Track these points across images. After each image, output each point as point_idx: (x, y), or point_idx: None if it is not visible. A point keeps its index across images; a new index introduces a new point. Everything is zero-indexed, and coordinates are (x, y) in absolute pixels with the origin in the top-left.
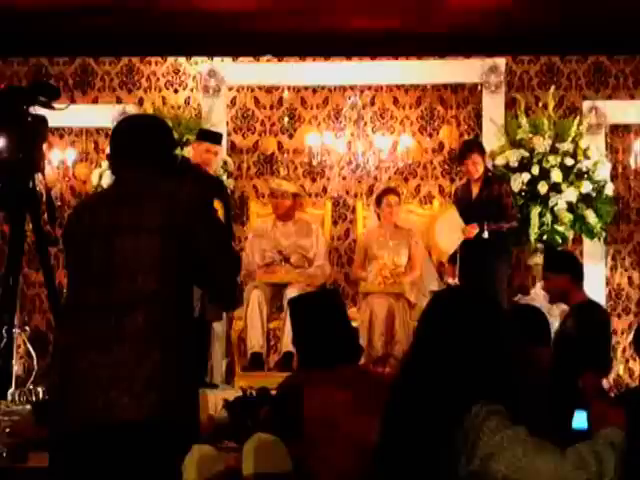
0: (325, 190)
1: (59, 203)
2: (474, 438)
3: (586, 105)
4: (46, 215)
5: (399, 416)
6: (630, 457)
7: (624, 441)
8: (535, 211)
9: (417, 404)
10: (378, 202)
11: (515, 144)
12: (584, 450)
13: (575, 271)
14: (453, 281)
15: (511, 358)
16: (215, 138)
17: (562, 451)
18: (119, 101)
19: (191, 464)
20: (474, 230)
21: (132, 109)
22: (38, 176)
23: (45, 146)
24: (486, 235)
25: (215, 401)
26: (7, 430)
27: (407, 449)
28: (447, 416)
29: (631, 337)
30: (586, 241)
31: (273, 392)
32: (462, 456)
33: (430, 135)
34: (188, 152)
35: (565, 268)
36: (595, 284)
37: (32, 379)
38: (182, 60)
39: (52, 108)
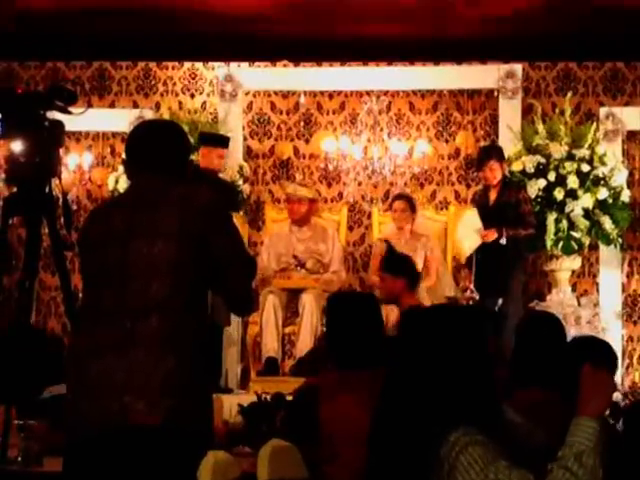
0: (341, 195)
1: (75, 207)
2: (450, 470)
3: (603, 111)
4: (62, 219)
5: (380, 439)
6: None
7: (595, 434)
8: (551, 217)
9: (394, 428)
10: (390, 208)
11: (531, 150)
12: (559, 476)
13: (411, 277)
14: (469, 287)
15: (491, 379)
16: (221, 142)
17: None
18: (136, 105)
19: (206, 470)
20: (493, 235)
21: (149, 113)
22: (54, 180)
23: (62, 150)
24: (504, 241)
25: (230, 406)
26: (22, 434)
27: (389, 473)
28: (423, 441)
29: None
30: (602, 247)
31: (288, 397)
32: None
33: (446, 141)
34: (196, 157)
35: (402, 272)
36: (611, 290)
37: None
38: (199, 65)
39: (69, 113)
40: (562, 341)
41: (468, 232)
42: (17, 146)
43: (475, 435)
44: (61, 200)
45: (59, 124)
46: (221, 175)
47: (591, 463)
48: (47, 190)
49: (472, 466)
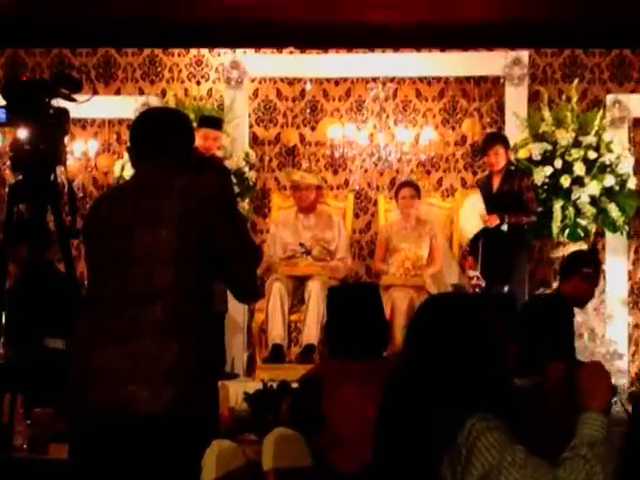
0: (347, 183)
1: (81, 194)
2: (467, 455)
3: (609, 98)
4: (67, 207)
5: (391, 428)
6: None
7: (604, 427)
8: (558, 204)
9: (407, 417)
10: (396, 195)
11: (538, 137)
12: (575, 463)
13: None
14: (474, 274)
15: (504, 367)
16: (213, 123)
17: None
18: (141, 92)
19: (211, 459)
20: (495, 220)
21: (154, 100)
22: (60, 168)
23: (67, 137)
24: (505, 227)
25: (236, 393)
26: (28, 422)
27: (399, 462)
28: (438, 430)
29: None
30: (608, 235)
31: (294, 385)
32: (457, 472)
33: (452, 128)
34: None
35: None
36: (617, 278)
37: None
38: (205, 52)
39: (74, 100)
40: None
41: (470, 215)
42: (22, 133)
43: (492, 420)
44: (66, 187)
45: (64, 112)
46: (226, 162)
47: (602, 453)
48: (52, 178)
49: (489, 450)
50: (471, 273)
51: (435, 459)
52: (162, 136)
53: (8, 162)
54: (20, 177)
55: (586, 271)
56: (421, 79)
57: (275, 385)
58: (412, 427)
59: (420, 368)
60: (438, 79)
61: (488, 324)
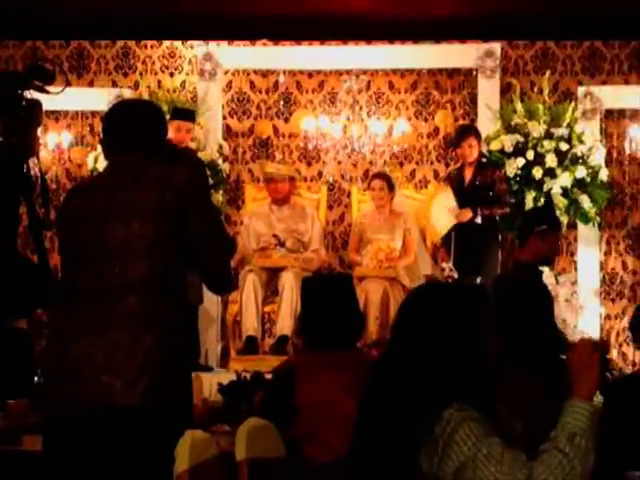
0: (320, 174)
1: (54, 186)
2: (444, 446)
3: (581, 90)
4: (40, 199)
5: (370, 417)
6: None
7: (588, 417)
8: (530, 196)
9: (387, 405)
10: (369, 187)
11: (510, 129)
12: (552, 457)
13: None
14: (447, 265)
15: (487, 358)
16: (186, 115)
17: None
18: (115, 85)
19: (184, 449)
20: (468, 215)
21: (128, 93)
22: (33, 160)
23: (40, 129)
24: (479, 220)
25: (210, 384)
26: (1, 413)
27: (376, 452)
28: (417, 419)
29: (627, 323)
30: (581, 226)
31: (268, 376)
32: (433, 462)
33: (425, 120)
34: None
35: None
36: (589, 269)
37: None
38: (178, 44)
39: (47, 92)
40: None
41: (442, 212)
42: None
43: (469, 411)
44: (39, 179)
45: (37, 103)
46: (200, 154)
47: (583, 445)
48: (25, 170)
49: (465, 441)
50: (444, 265)
51: (413, 449)
52: (134, 128)
53: None
54: None
55: (539, 229)
56: (394, 71)
57: (249, 376)
58: (391, 417)
59: (404, 356)
60: (411, 71)
61: (476, 317)
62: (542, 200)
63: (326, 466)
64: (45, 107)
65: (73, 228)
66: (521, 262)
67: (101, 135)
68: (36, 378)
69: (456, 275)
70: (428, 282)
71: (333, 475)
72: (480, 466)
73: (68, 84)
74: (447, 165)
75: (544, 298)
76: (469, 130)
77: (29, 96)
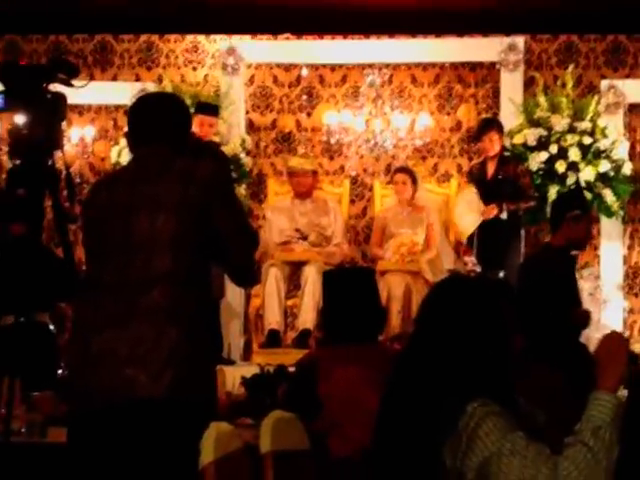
0: (343, 168)
1: (78, 180)
2: (468, 441)
3: (604, 84)
4: (65, 192)
5: (393, 412)
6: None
7: (613, 409)
8: (553, 190)
9: (410, 400)
10: (392, 180)
11: (533, 123)
12: (577, 451)
13: None
14: (470, 259)
15: (511, 353)
16: (209, 110)
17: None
18: (138, 79)
19: (209, 442)
20: (494, 211)
21: (151, 86)
22: (57, 153)
23: (64, 123)
24: (505, 216)
25: (233, 378)
26: (26, 406)
27: (399, 447)
28: (440, 414)
29: None
30: (604, 220)
31: (291, 369)
32: (457, 457)
33: (448, 113)
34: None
35: None
36: (613, 263)
37: None
38: (201, 38)
39: (71, 85)
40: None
41: (466, 211)
42: (20, 119)
43: (493, 406)
44: (64, 173)
45: (62, 97)
46: (223, 148)
47: (608, 438)
48: (50, 163)
49: (489, 436)
50: (466, 259)
51: (436, 444)
52: (159, 120)
53: (5, 148)
54: (18, 162)
55: (573, 214)
56: (417, 65)
57: (272, 370)
58: (414, 411)
59: (428, 349)
60: (433, 65)
61: (500, 311)
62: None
63: (348, 459)
64: (69, 101)
65: (98, 221)
66: (553, 246)
67: (126, 128)
68: (59, 371)
69: (479, 269)
70: (452, 276)
71: (355, 469)
72: (504, 461)
73: (92, 78)
74: (470, 159)
75: (571, 282)
76: (491, 124)
77: (54, 89)
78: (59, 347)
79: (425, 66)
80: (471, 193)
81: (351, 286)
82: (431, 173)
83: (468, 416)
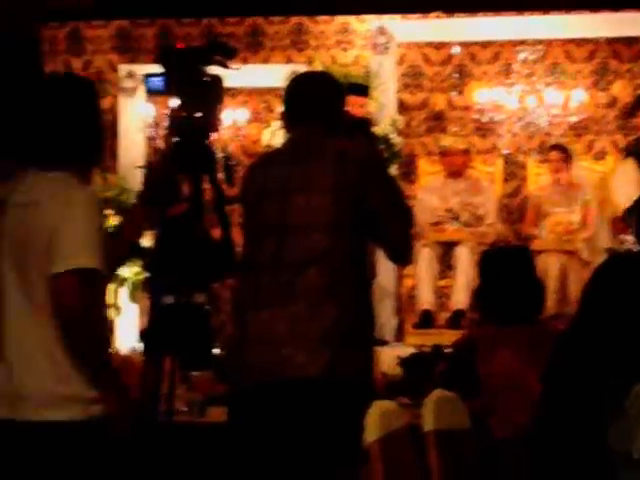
0: (495, 147)
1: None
2: (635, 422)
3: None
4: (223, 174)
5: (556, 392)
6: None
7: None
8: None
9: (574, 381)
10: (546, 158)
11: None
12: None
13: None
14: (629, 238)
15: None
16: (360, 90)
17: None
18: (289, 60)
19: (373, 419)
20: None
21: (302, 68)
22: (214, 135)
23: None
24: None
25: (387, 358)
26: (186, 385)
27: (563, 428)
28: (605, 396)
29: None
30: None
31: (447, 350)
32: (623, 439)
33: (603, 90)
34: None
35: None
36: None
37: None
38: (351, 18)
39: (228, 67)
40: None
41: (624, 184)
42: (179, 101)
43: None
44: (222, 155)
45: (219, 79)
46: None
47: None
48: (207, 145)
49: None
50: (625, 237)
51: (601, 426)
52: (314, 99)
53: (161, 132)
54: (176, 144)
55: None
56: (570, 41)
57: (428, 350)
58: (580, 393)
59: (593, 330)
60: (588, 41)
61: None
62: None
63: (508, 441)
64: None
65: (254, 202)
66: None
67: (279, 109)
68: (216, 350)
69: (638, 248)
70: (615, 255)
71: (512, 450)
72: None
73: (244, 61)
74: (626, 136)
75: None
76: None
77: (211, 72)
78: (214, 328)
79: (579, 42)
80: (630, 165)
81: (509, 265)
82: (586, 150)
83: (634, 396)
